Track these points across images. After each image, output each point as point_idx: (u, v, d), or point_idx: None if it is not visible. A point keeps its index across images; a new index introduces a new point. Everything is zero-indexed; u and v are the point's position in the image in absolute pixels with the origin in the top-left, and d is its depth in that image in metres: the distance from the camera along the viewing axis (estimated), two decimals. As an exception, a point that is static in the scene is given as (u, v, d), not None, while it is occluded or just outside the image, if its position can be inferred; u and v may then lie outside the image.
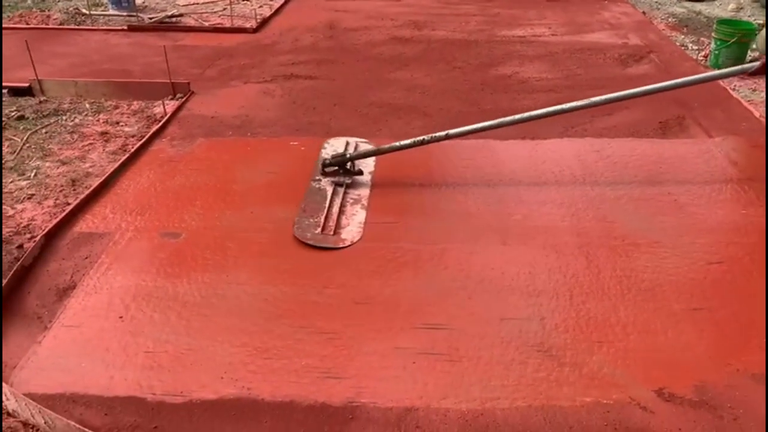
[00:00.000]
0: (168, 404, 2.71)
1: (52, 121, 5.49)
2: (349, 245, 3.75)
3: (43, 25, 8.41)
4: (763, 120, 5.38)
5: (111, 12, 9.06)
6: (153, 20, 8.66)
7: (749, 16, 8.76)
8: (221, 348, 3.00)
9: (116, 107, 5.78)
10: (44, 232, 3.76)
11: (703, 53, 7.22)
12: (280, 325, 3.13)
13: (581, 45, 7.54)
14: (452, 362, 2.92)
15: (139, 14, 8.91)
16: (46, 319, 3.17)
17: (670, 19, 8.82)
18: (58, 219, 3.91)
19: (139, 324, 3.15)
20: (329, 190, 4.28)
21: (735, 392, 2.77)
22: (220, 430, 2.59)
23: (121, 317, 3.19)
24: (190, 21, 8.76)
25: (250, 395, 2.74)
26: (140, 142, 4.93)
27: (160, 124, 5.29)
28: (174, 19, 8.81)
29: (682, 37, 8.04)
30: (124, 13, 8.93)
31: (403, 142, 4.45)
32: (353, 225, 3.94)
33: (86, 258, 3.64)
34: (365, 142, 5.03)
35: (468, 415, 2.66)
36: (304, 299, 3.31)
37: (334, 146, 4.91)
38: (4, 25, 8.31)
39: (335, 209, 4.06)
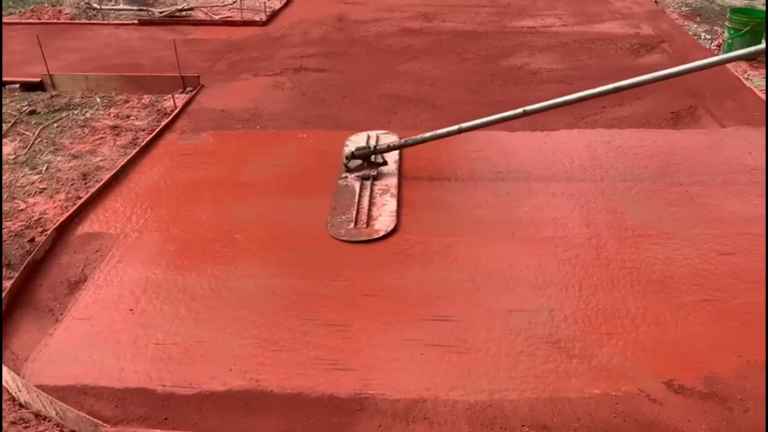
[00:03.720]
0: (178, 396, 2.73)
1: (63, 115, 5.53)
2: (384, 235, 3.75)
3: (55, 20, 8.47)
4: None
5: (121, 6, 9.09)
6: (163, 14, 8.68)
7: (763, 5, 8.63)
8: (230, 340, 3.01)
9: (127, 101, 5.81)
10: (55, 226, 3.79)
11: (716, 42, 7.13)
12: (288, 317, 3.14)
13: (592, 35, 7.47)
14: (460, 354, 2.92)
15: (149, 8, 8.94)
16: (57, 312, 3.20)
17: (683, 8, 8.73)
18: (69, 213, 3.95)
19: (149, 316, 3.17)
20: (356, 184, 4.26)
21: (745, 384, 2.75)
22: (229, 422, 2.61)
23: (131, 310, 3.22)
24: (200, 15, 8.78)
25: (259, 387, 2.76)
26: (150, 136, 4.96)
27: (170, 117, 5.31)
28: (184, 13, 8.83)
29: (695, 26, 7.95)
30: (135, 8, 8.96)
31: (434, 133, 4.37)
32: (385, 215, 3.94)
33: (97, 251, 3.66)
34: (385, 133, 5.01)
35: (476, 406, 2.66)
36: (312, 291, 3.32)
37: (355, 142, 4.86)
38: (16, 21, 8.37)
39: (365, 202, 4.05)
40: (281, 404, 2.68)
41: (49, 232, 3.74)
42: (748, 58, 4.30)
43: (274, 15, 8.53)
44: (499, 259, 3.55)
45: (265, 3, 8.83)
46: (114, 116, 5.50)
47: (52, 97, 5.89)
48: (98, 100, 5.83)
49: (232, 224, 3.89)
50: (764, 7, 8.09)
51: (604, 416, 2.61)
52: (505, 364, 2.86)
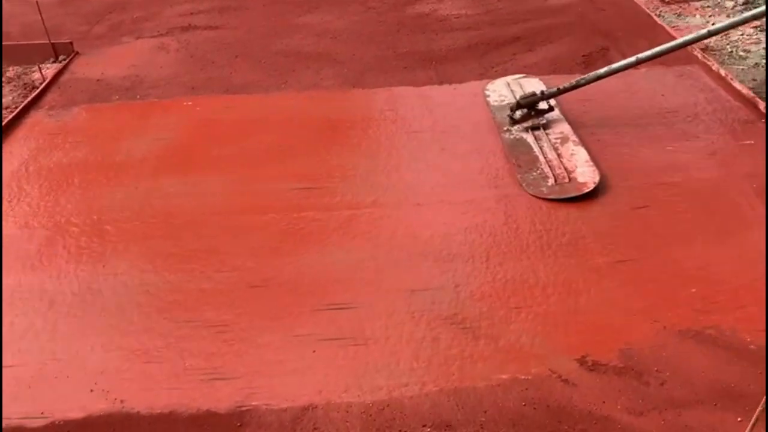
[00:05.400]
0: (26, 429, 2.34)
1: None
2: (593, 188, 3.42)
3: None
4: (690, 49, 5.14)
5: (-10, -35, 8.12)
6: (38, -28, 7.79)
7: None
8: (93, 354, 2.62)
9: (-12, 75, 5.13)
10: None
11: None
12: (161, 321, 2.76)
13: (503, -24, 7.10)
14: (357, 347, 2.63)
15: (22, -34, 8.01)
16: None
17: (594, -56, 8.45)
18: None
19: (-3, 333, 2.73)
20: (527, 136, 3.90)
21: (662, 352, 2.56)
22: (87, 455, 2.25)
23: (-25, 327, 2.77)
24: (80, -29, 7.92)
25: (124, 409, 2.39)
26: (12, 115, 4.36)
27: (37, 92, 4.70)
28: (62, -30, 7.96)
29: (607, -39, 7.69)
30: (5, -34, 8.02)
31: (609, 67, 4.02)
32: (581, 165, 3.60)
33: (-60, 257, 3.16)
34: (524, 77, 4.63)
35: (372, 408, 2.38)
36: (191, 287, 2.94)
37: (496, 91, 4.49)
38: None
39: (551, 155, 3.70)
40: (149, 427, 2.33)
41: None
42: (750, 21, 4.09)
43: (163, -32, 7.78)
44: (402, 233, 3.25)
45: (153, -45, 8.04)
46: (-28, 94, 4.84)
47: None
48: (-45, 75, 5.13)
49: (102, 213, 3.43)
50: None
51: (512, 405, 2.37)
52: (406, 354, 2.58)
